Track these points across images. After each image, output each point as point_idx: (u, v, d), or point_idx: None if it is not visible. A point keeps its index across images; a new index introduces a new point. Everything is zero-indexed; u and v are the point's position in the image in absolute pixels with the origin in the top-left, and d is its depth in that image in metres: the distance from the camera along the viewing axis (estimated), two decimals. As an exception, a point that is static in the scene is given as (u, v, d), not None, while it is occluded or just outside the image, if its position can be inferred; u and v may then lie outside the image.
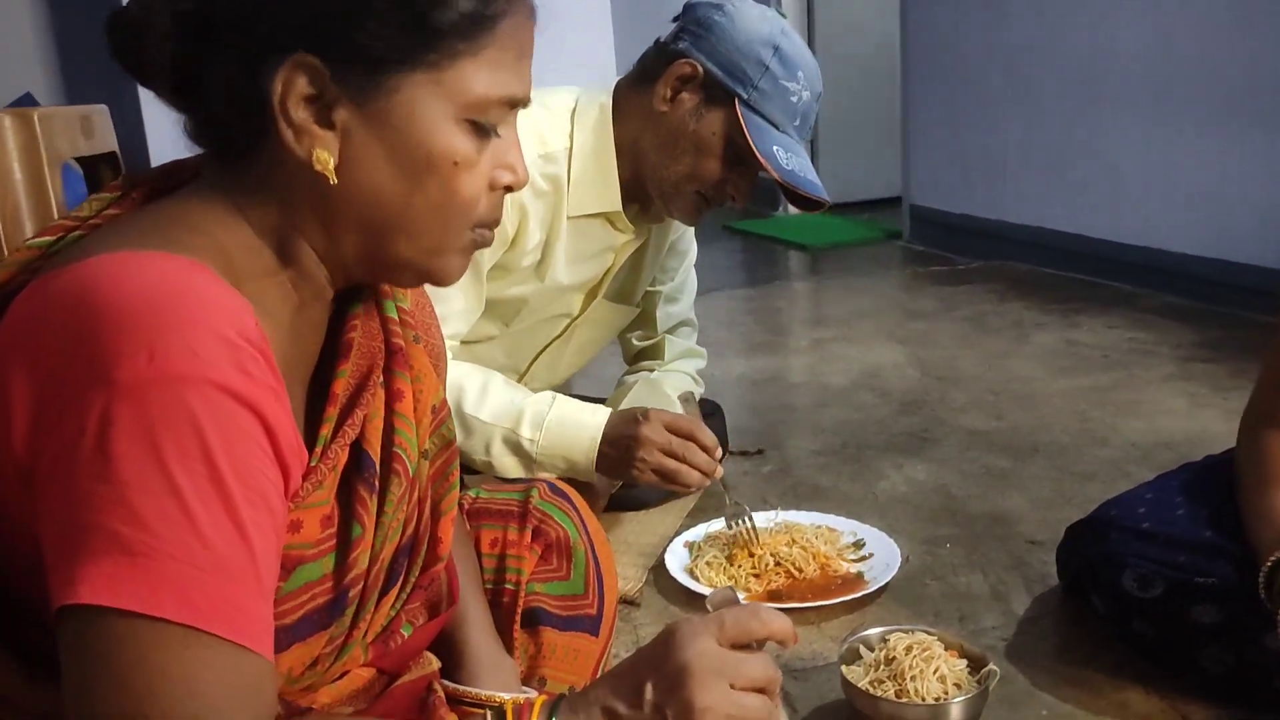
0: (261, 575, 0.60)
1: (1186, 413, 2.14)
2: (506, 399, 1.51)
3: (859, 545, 1.63)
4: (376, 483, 0.73)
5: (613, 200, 1.58)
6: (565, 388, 1.95)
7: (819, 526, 1.67)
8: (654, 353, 1.89)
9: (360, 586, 0.72)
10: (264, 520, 0.60)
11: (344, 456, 0.71)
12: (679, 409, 1.78)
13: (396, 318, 0.80)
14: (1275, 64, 2.70)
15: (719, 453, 1.51)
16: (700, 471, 1.49)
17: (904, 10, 4.08)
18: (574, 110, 1.56)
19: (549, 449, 1.51)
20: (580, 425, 1.50)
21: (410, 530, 0.78)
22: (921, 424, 2.20)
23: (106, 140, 1.90)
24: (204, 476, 0.57)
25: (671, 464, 1.47)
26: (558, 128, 1.55)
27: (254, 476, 0.60)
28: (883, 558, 1.57)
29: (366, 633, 0.75)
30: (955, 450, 2.04)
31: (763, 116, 1.49)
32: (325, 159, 0.67)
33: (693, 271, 1.91)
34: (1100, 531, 1.22)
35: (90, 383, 0.57)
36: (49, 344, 0.59)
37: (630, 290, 1.78)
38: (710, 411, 1.94)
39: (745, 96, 1.48)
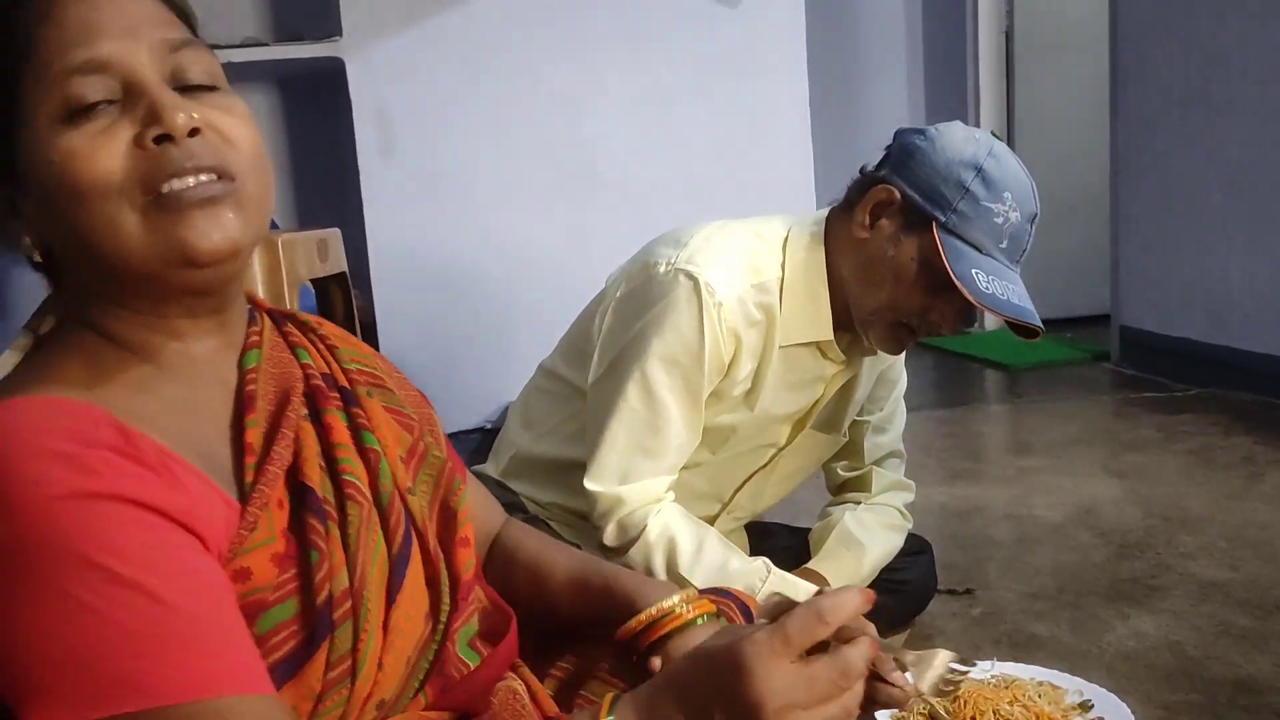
0: (208, 629, 0.63)
1: None
2: (719, 564, 1.49)
3: (1086, 707, 1.50)
4: (329, 509, 0.75)
5: (824, 329, 1.56)
6: (768, 514, 1.91)
7: (1041, 683, 1.55)
8: (861, 485, 1.83)
9: (346, 606, 0.73)
10: (189, 581, 0.63)
11: (275, 494, 0.73)
12: (883, 546, 1.72)
13: (313, 363, 0.84)
14: None
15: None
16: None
17: (1113, 124, 3.95)
18: (786, 240, 1.56)
19: None
20: None
21: (396, 549, 0.79)
22: (1147, 570, 2.04)
23: (338, 262, 2.02)
24: (100, 580, 0.60)
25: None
26: (771, 257, 1.55)
27: (150, 552, 0.63)
28: (1114, 723, 1.45)
29: (381, 656, 0.75)
30: (1187, 602, 1.88)
31: (963, 240, 1.45)
32: (28, 246, 0.73)
33: (902, 402, 1.86)
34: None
35: None
36: None
37: (838, 419, 1.74)
38: (919, 549, 1.85)
39: (943, 220, 1.45)
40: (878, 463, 1.83)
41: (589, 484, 1.49)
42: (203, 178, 0.70)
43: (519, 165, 3.07)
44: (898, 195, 1.48)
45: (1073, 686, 1.55)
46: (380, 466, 0.81)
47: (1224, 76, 3.40)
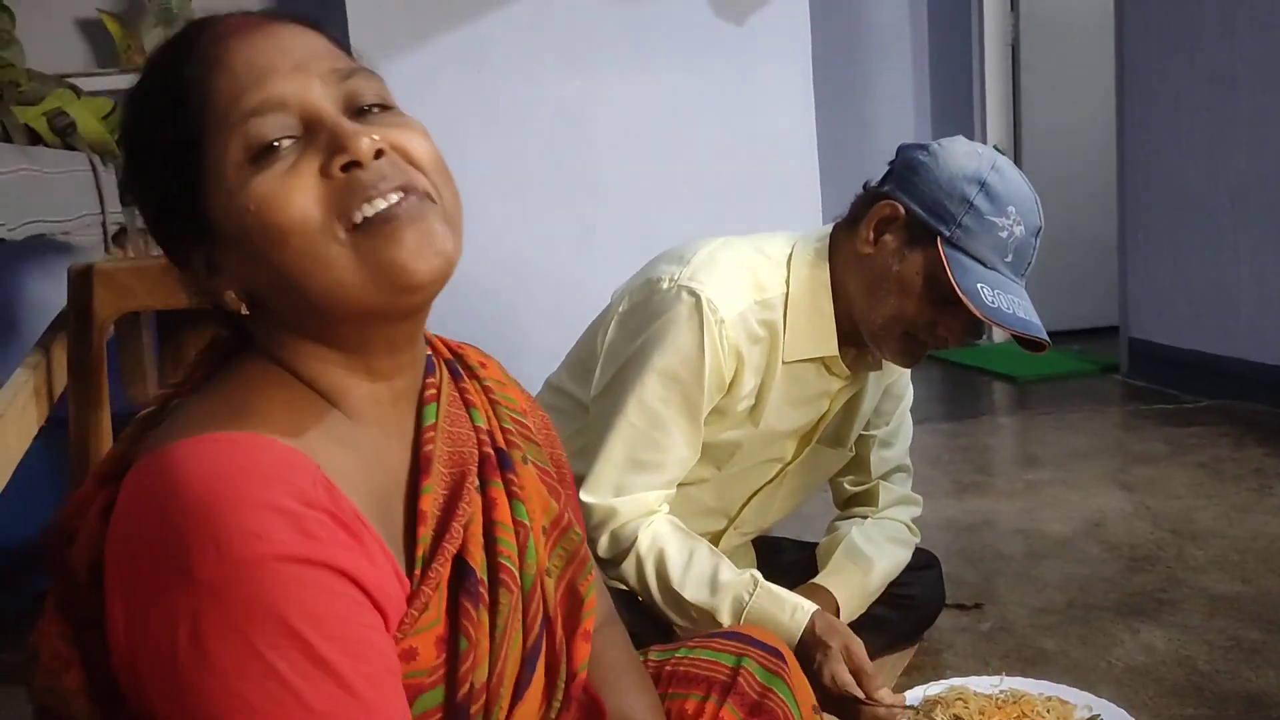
0: None
1: None
2: (710, 575, 1.49)
3: (1095, 721, 1.50)
4: (484, 593, 0.73)
5: (829, 345, 1.56)
6: (776, 529, 1.91)
7: (1049, 698, 1.54)
8: (867, 499, 1.82)
9: (482, 701, 0.71)
10: (374, 668, 0.62)
11: (446, 572, 0.71)
12: (890, 560, 1.72)
13: (485, 426, 0.80)
14: None
15: (892, 702, 1.42)
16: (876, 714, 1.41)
17: (1120, 136, 3.95)
18: (790, 256, 1.56)
19: None
20: (777, 625, 1.46)
21: (531, 640, 0.77)
22: (1157, 583, 2.03)
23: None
24: (296, 651, 0.60)
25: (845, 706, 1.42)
26: (775, 274, 1.55)
27: (347, 628, 0.62)
28: (1123, 738, 1.44)
29: None
30: (1198, 616, 1.87)
31: (968, 254, 1.45)
32: (233, 300, 0.72)
33: (909, 416, 1.86)
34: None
35: (171, 583, 0.60)
36: (130, 538, 0.63)
37: (844, 434, 1.74)
38: (927, 563, 1.85)
39: (948, 234, 1.45)
40: (884, 477, 1.82)
41: (584, 496, 1.49)
42: (395, 197, 0.68)
43: (524, 178, 3.08)
44: (902, 211, 1.49)
45: (1081, 701, 1.54)
46: (528, 544, 0.78)
47: (1230, 88, 3.39)
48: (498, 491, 0.78)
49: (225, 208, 0.68)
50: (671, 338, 1.49)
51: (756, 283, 1.54)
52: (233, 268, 0.70)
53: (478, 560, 0.74)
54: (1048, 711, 1.49)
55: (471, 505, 0.75)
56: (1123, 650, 1.76)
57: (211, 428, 0.65)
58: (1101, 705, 1.52)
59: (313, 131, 0.69)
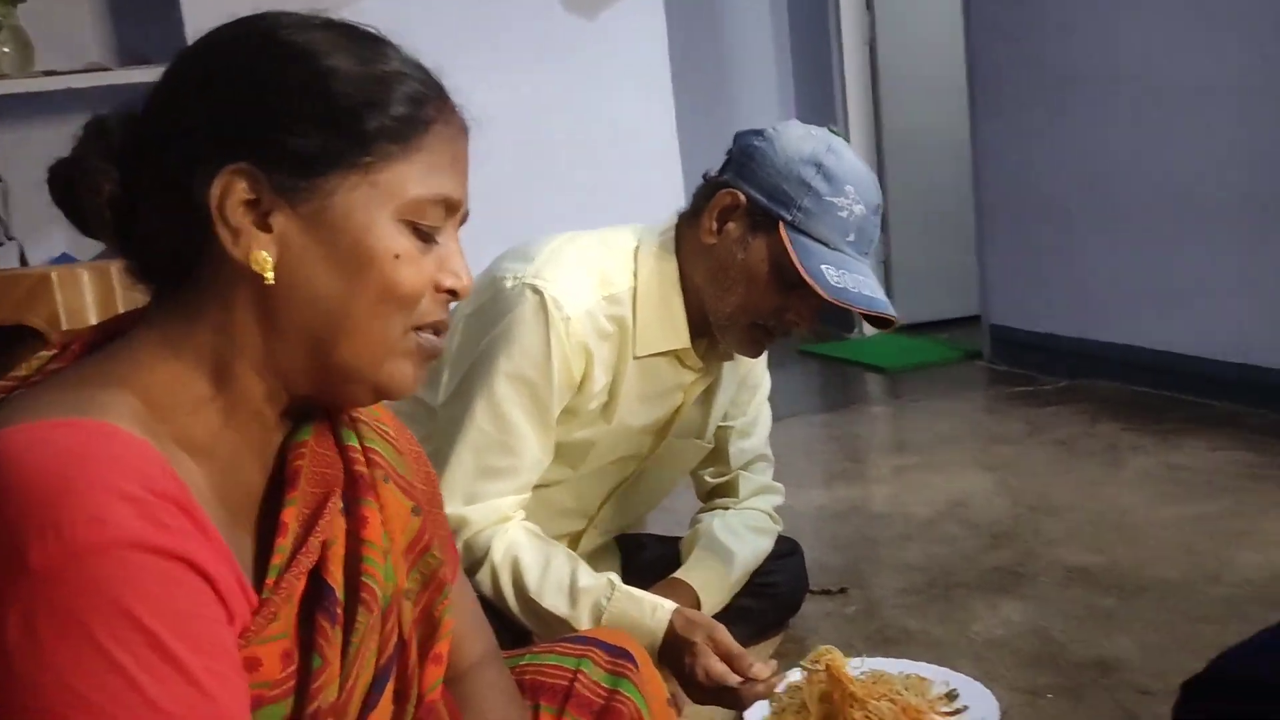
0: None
1: (1307, 543, 1.99)
2: (565, 582, 1.46)
3: (952, 696, 1.51)
4: (339, 612, 0.71)
5: (680, 338, 1.54)
6: (640, 525, 1.89)
7: (908, 675, 1.55)
8: (729, 490, 1.81)
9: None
10: (222, 664, 0.60)
11: (300, 586, 0.69)
12: (750, 551, 1.71)
13: (357, 445, 0.78)
14: (1370, 172, 2.59)
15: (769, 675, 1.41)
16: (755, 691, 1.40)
17: (973, 131, 4.06)
18: (637, 249, 1.54)
19: None
20: (637, 627, 1.43)
21: (383, 661, 0.75)
22: (1015, 558, 2.07)
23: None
24: (141, 644, 0.57)
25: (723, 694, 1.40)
26: (621, 268, 1.53)
27: (195, 624, 0.59)
28: (978, 710, 1.45)
29: None
30: (1053, 588, 1.91)
31: (810, 236, 1.45)
32: (263, 259, 0.68)
33: (767, 405, 1.85)
34: (1217, 691, 1.09)
35: (6, 572, 0.56)
36: None
37: (702, 426, 1.72)
38: (789, 550, 1.85)
39: (790, 218, 1.45)
40: (745, 467, 1.81)
41: None
42: (440, 338, 0.76)
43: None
44: (742, 198, 1.48)
45: (940, 677, 1.55)
46: (386, 566, 0.76)
47: (1072, 82, 3.52)
48: (370, 510, 0.76)
49: (339, 223, 0.69)
50: (517, 338, 1.45)
51: (603, 278, 1.51)
52: (296, 248, 0.69)
53: (337, 579, 0.72)
54: (906, 689, 1.50)
55: (333, 524, 0.73)
56: (982, 625, 1.78)
57: (55, 414, 0.62)
58: (959, 680, 1.53)
59: (440, 242, 0.74)
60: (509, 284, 1.48)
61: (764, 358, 1.76)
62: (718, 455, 1.81)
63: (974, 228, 4.16)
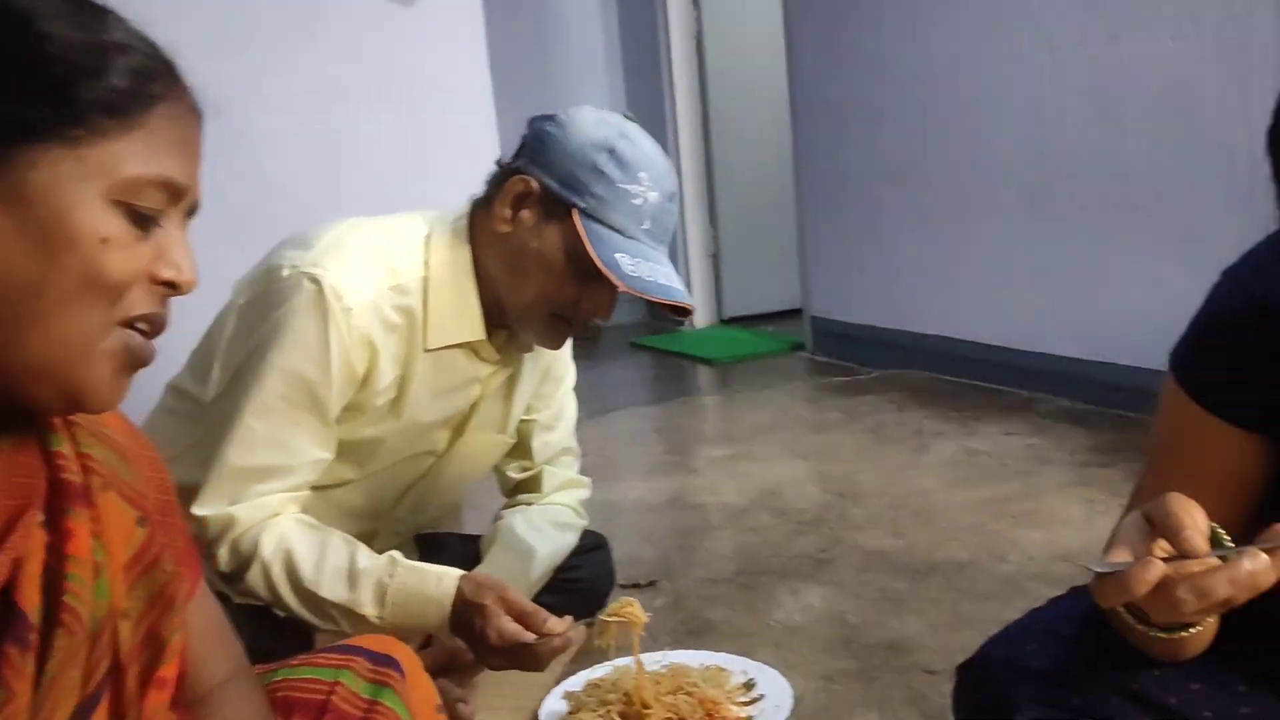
0: None
1: (1084, 521, 2.10)
2: (344, 567, 1.39)
3: (750, 685, 1.53)
4: (32, 638, 0.65)
5: (474, 329, 1.50)
6: (456, 522, 1.84)
7: (708, 667, 1.56)
8: (532, 485, 1.78)
9: None
10: None
11: None
12: (552, 546, 1.69)
13: (68, 451, 0.71)
14: (1145, 169, 2.77)
15: (564, 629, 1.40)
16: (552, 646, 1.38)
17: (793, 122, 4.15)
18: (428, 237, 1.49)
19: (398, 623, 1.41)
20: (425, 600, 1.39)
21: (90, 689, 0.69)
22: (819, 544, 2.12)
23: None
24: None
25: (520, 654, 1.38)
26: (411, 257, 1.47)
27: None
28: (774, 698, 1.47)
29: None
30: (852, 572, 1.96)
31: (604, 224, 1.42)
32: None
33: (572, 397, 1.83)
34: (986, 674, 1.13)
35: None
36: None
37: (503, 420, 1.69)
38: (595, 544, 1.83)
39: (583, 206, 1.41)
40: (549, 461, 1.79)
41: (196, 509, 1.35)
42: (152, 340, 0.69)
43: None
44: (535, 185, 1.45)
45: (739, 667, 1.57)
46: (98, 584, 0.70)
47: (882, 80, 3.64)
48: (77, 523, 0.69)
49: (39, 198, 0.63)
50: (292, 330, 1.38)
51: (390, 267, 1.45)
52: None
53: (31, 601, 0.65)
54: (704, 681, 1.51)
55: (29, 540, 0.66)
56: (783, 612, 1.82)
57: None
58: (756, 668, 1.55)
59: (163, 226, 0.69)
60: (285, 273, 1.40)
61: (568, 349, 1.74)
62: (521, 450, 1.77)
63: (795, 222, 4.27)
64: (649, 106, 5.05)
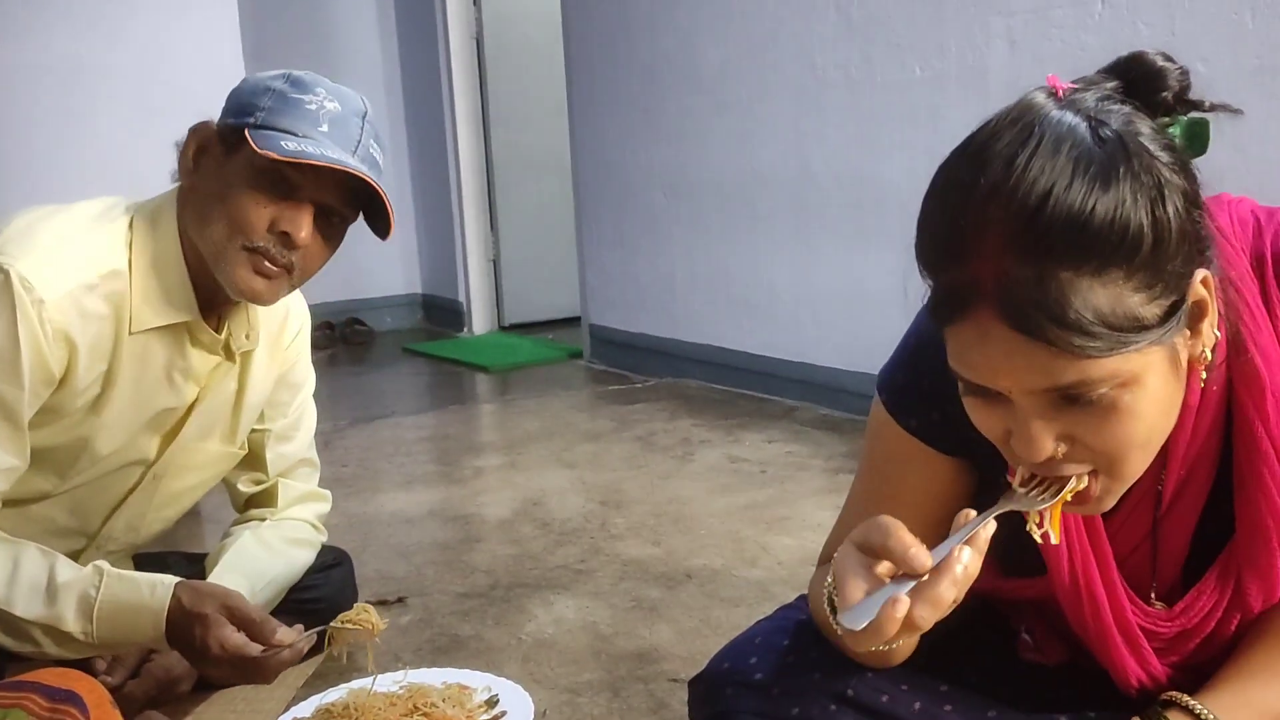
0: None
1: (831, 526, 2.15)
2: (41, 582, 1.27)
3: (493, 703, 1.47)
4: None
5: (184, 309, 1.37)
6: (191, 538, 1.70)
7: (450, 685, 1.50)
8: (266, 499, 1.67)
9: None
10: None
11: None
12: (285, 565, 1.59)
13: None
14: (899, 186, 2.90)
15: (294, 640, 1.32)
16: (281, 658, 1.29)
17: (571, 128, 4.14)
18: (130, 221, 1.37)
19: (107, 638, 1.30)
20: (138, 610, 1.28)
21: None
22: (579, 555, 2.09)
23: None
24: None
25: (246, 666, 1.28)
26: (113, 243, 1.35)
27: None
28: (516, 714, 1.42)
29: None
30: (609, 582, 1.94)
31: (275, 129, 1.31)
32: None
33: (311, 405, 1.72)
34: (715, 688, 1.13)
35: None
36: None
37: (230, 430, 1.57)
38: (334, 561, 1.73)
39: (254, 121, 1.31)
40: (285, 474, 1.68)
41: None
42: None
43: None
44: (212, 127, 1.36)
45: (482, 683, 1.51)
46: None
47: (658, 88, 3.68)
48: None
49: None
50: None
51: (89, 255, 1.32)
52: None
53: None
54: (444, 700, 1.45)
55: None
56: (534, 625, 1.77)
57: None
58: (501, 684, 1.50)
59: None
60: None
61: (306, 353, 1.65)
62: (254, 461, 1.65)
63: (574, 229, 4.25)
64: (427, 107, 4.94)
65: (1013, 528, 0.94)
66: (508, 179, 4.92)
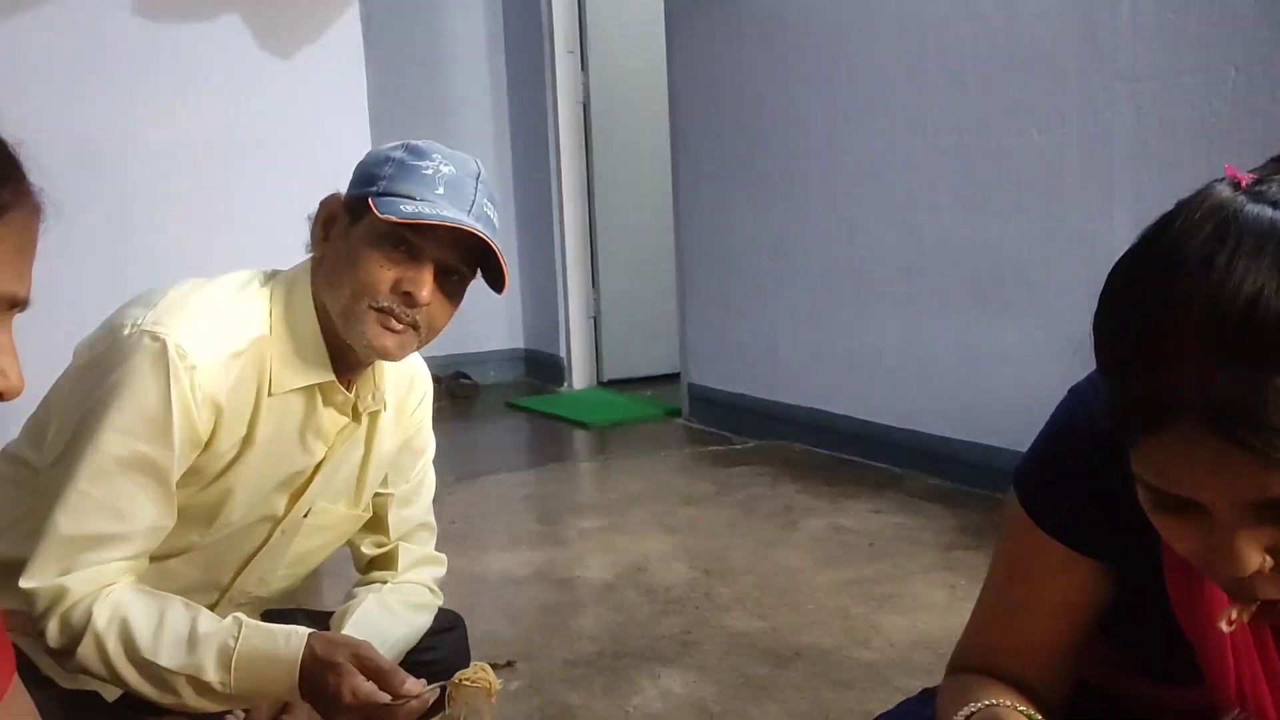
0: None
1: (946, 607, 2.11)
2: (184, 633, 1.30)
3: (604, 779, 1.47)
4: None
5: (319, 371, 1.42)
6: (312, 595, 1.74)
7: (562, 759, 1.50)
8: (387, 562, 1.70)
9: None
10: None
11: None
12: (406, 629, 1.61)
13: None
14: (1012, 254, 2.85)
15: (421, 691, 1.34)
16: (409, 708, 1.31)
17: (675, 192, 4.19)
18: (270, 291, 1.44)
19: (244, 689, 1.32)
20: (273, 660, 1.31)
21: None
22: (684, 625, 2.08)
23: None
24: None
25: (375, 715, 1.30)
26: (256, 314, 1.41)
27: None
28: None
29: None
30: (716, 656, 1.92)
31: (395, 195, 1.36)
32: None
33: (431, 470, 1.76)
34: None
35: None
36: None
37: (355, 494, 1.61)
38: (449, 625, 1.75)
39: (376, 189, 1.37)
40: (405, 537, 1.71)
41: (24, 582, 1.26)
42: None
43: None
44: (339, 198, 1.42)
45: (595, 759, 1.51)
46: None
47: (764, 152, 3.70)
48: None
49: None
50: (132, 390, 1.30)
51: (237, 323, 1.39)
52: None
53: None
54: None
55: None
56: (641, 698, 1.76)
57: None
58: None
59: None
60: (126, 331, 1.33)
61: (428, 420, 1.68)
62: (377, 525, 1.69)
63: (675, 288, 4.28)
64: (535, 169, 5.04)
65: (1164, 634, 0.91)
66: (610, 238, 4.98)
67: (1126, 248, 0.74)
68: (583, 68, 4.85)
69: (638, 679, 1.83)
